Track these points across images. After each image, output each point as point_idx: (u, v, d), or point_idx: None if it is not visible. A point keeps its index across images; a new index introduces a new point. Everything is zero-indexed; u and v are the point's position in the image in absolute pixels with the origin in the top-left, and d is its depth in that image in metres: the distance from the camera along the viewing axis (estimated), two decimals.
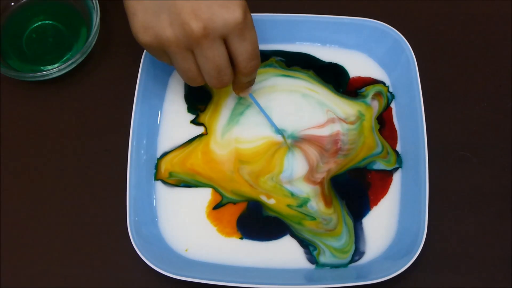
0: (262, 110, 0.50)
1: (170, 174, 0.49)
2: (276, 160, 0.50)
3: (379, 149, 0.50)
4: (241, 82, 0.45)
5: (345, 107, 0.52)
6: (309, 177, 0.49)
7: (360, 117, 0.51)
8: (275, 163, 0.50)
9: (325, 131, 0.51)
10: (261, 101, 0.51)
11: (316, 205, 0.48)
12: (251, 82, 0.46)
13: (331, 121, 0.51)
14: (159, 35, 0.40)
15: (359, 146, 0.50)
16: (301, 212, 0.48)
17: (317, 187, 0.49)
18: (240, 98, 0.52)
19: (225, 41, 0.40)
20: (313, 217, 0.48)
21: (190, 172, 0.49)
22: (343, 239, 0.47)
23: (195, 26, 0.38)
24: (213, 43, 0.40)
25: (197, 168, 0.50)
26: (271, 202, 0.48)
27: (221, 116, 0.52)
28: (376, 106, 0.52)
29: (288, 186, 0.49)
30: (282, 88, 0.53)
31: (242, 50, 0.41)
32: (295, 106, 0.52)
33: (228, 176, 0.49)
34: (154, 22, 0.40)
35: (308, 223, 0.48)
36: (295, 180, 0.49)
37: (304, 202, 0.48)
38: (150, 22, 0.40)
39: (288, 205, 0.48)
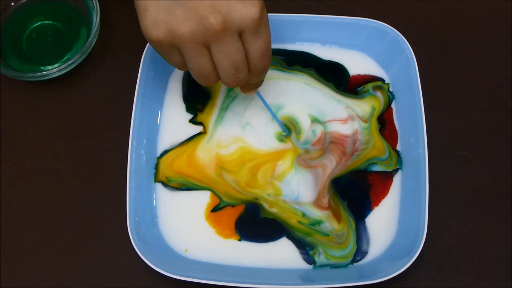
0: (269, 109, 0.50)
1: (168, 179, 0.49)
2: (264, 181, 0.49)
3: (386, 155, 0.50)
4: (250, 82, 0.44)
5: (362, 104, 0.52)
6: (318, 203, 0.48)
7: (372, 113, 0.51)
8: (263, 183, 0.49)
9: (347, 129, 0.51)
10: (271, 87, 0.51)
11: (330, 225, 0.48)
12: (259, 83, 0.46)
13: (351, 118, 0.51)
14: (173, 30, 0.39)
15: (370, 148, 0.50)
16: (313, 229, 0.48)
17: (328, 212, 0.48)
18: (228, 91, 0.52)
19: (240, 38, 0.40)
20: (326, 234, 0.48)
21: (178, 175, 0.49)
22: (349, 249, 0.47)
23: (214, 20, 0.38)
24: (232, 38, 0.39)
25: (182, 170, 0.49)
26: (273, 210, 0.48)
27: (212, 114, 0.52)
28: (381, 97, 0.52)
29: (296, 206, 0.48)
30: (290, 78, 0.52)
31: (255, 47, 0.40)
32: (311, 96, 0.52)
33: (214, 179, 0.49)
34: (168, 17, 0.39)
35: (320, 237, 0.47)
36: (303, 204, 0.48)
37: (317, 223, 0.48)
38: (163, 18, 0.39)
39: (299, 222, 0.48)
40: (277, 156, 0.50)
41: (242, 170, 0.49)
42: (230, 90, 0.52)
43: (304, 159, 0.50)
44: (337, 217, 0.48)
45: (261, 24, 0.39)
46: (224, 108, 0.52)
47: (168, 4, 0.38)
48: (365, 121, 0.51)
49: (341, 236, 0.47)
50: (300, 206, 0.48)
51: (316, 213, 0.48)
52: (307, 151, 0.50)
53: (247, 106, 0.52)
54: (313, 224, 0.48)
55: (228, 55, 0.40)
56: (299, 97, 0.52)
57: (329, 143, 0.50)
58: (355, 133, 0.51)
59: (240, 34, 0.39)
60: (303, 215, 0.48)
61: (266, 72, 0.43)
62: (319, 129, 0.51)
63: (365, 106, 0.51)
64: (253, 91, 0.47)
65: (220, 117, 0.51)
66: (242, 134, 0.51)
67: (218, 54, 0.40)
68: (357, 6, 0.56)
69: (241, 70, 0.41)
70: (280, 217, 0.48)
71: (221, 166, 0.49)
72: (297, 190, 0.49)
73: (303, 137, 0.50)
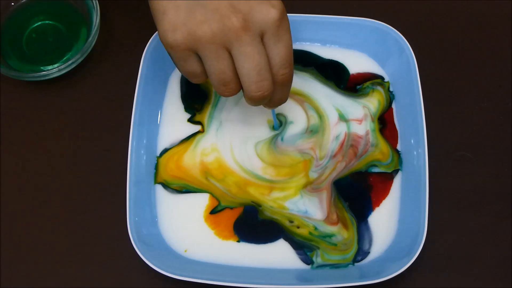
0: (275, 119, 0.50)
1: (166, 182, 0.49)
2: (258, 194, 0.48)
3: (389, 160, 0.49)
4: (273, 97, 0.42)
5: (371, 99, 0.51)
6: (329, 220, 0.48)
7: (378, 107, 0.51)
8: (257, 195, 0.48)
9: (361, 130, 0.51)
10: None
11: (342, 236, 0.47)
12: (282, 100, 0.43)
13: (364, 118, 0.51)
14: (193, 32, 0.37)
15: (377, 151, 0.50)
16: (324, 240, 0.47)
17: (339, 225, 0.48)
18: None
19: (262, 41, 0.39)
20: (334, 244, 0.47)
21: (174, 179, 0.49)
22: (350, 254, 0.47)
23: (235, 18, 0.37)
24: (253, 39, 0.38)
25: (174, 173, 0.49)
26: (274, 217, 0.48)
27: (207, 113, 0.51)
28: (382, 91, 0.52)
29: (307, 220, 0.48)
30: (298, 74, 0.52)
31: (276, 52, 0.39)
32: (324, 90, 0.52)
33: (205, 183, 0.49)
34: (187, 19, 0.37)
35: (326, 245, 0.47)
36: (314, 219, 0.48)
37: (328, 236, 0.47)
38: (183, 20, 0.37)
39: (310, 233, 0.47)
40: (268, 188, 0.49)
41: (227, 180, 0.49)
42: None
43: (314, 188, 0.49)
44: (345, 224, 0.48)
45: (282, 26, 0.39)
46: (214, 105, 0.51)
47: (188, 5, 0.37)
48: (373, 120, 0.51)
49: (347, 244, 0.47)
50: (311, 221, 0.48)
51: (329, 229, 0.47)
52: (321, 173, 0.49)
53: (226, 102, 0.51)
54: (324, 237, 0.47)
55: (250, 57, 0.38)
56: (315, 85, 0.52)
57: (348, 148, 0.50)
58: (367, 134, 0.50)
59: (262, 37, 0.39)
60: (315, 228, 0.47)
61: (289, 84, 0.42)
62: (343, 131, 0.50)
63: (374, 101, 0.51)
64: (274, 107, 0.45)
65: (211, 116, 0.51)
66: (216, 141, 0.50)
67: (239, 57, 0.38)
68: (357, 6, 0.56)
69: (264, 77, 0.39)
70: (281, 220, 0.48)
71: (206, 171, 0.49)
72: (305, 208, 0.48)
73: (327, 150, 0.50)
